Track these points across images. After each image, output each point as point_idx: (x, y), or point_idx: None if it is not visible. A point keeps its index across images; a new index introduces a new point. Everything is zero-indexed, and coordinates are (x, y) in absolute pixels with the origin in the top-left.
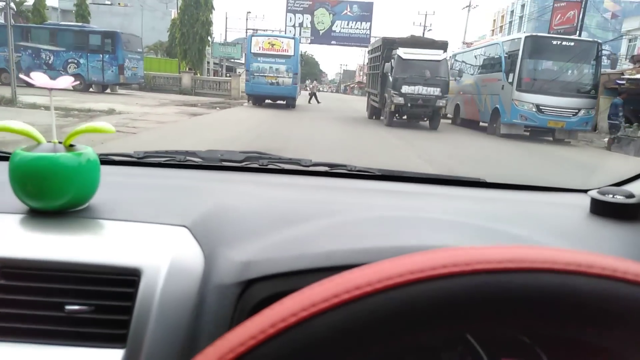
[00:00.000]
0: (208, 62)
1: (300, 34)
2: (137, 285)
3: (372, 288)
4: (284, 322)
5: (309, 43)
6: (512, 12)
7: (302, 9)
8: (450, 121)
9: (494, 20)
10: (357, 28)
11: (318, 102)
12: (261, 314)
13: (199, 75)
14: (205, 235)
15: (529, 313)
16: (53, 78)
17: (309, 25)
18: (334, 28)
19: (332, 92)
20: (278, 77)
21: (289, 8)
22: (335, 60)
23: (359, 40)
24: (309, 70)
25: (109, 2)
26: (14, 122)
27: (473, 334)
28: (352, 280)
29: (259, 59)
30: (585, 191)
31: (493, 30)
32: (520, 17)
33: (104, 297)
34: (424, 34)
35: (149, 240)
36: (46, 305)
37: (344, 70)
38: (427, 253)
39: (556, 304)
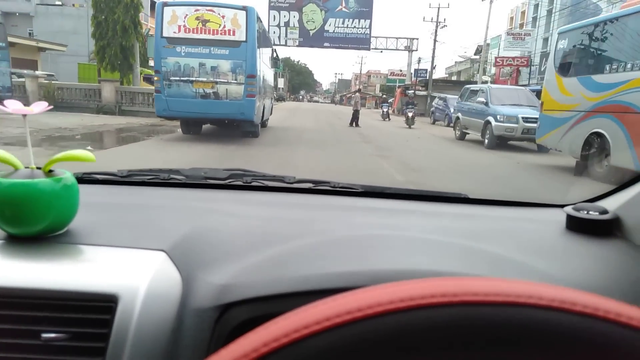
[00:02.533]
0: (144, 66)
1: (286, 36)
2: (113, 312)
3: (362, 313)
4: (275, 342)
5: (297, 46)
6: (536, 5)
7: (288, 4)
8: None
9: (512, 18)
10: (355, 27)
11: (357, 124)
12: (253, 334)
13: (126, 84)
14: (183, 258)
15: (512, 346)
16: None
17: (297, 25)
18: (326, 27)
19: (327, 102)
20: (217, 82)
21: (272, 4)
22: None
23: (357, 42)
24: (302, 80)
25: (59, 3)
26: None
27: None
28: (344, 304)
29: (178, 49)
30: (562, 206)
31: (511, 29)
32: (549, 11)
33: (80, 324)
34: (436, 31)
35: (126, 265)
36: (22, 333)
37: (339, 79)
38: (419, 282)
39: (539, 339)
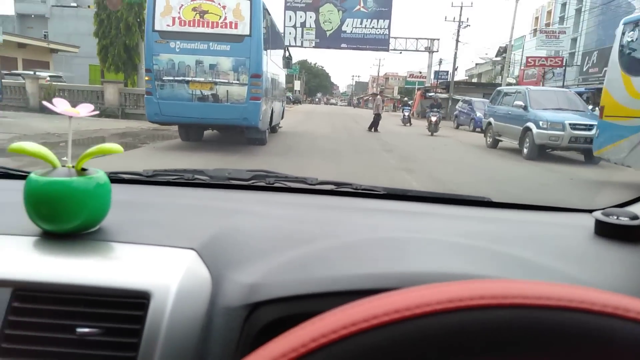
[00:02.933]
0: None
1: (302, 37)
2: (146, 308)
3: (410, 313)
4: (323, 338)
5: (314, 47)
6: (564, 4)
7: (304, 4)
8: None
9: (536, 18)
10: (373, 27)
11: (376, 129)
12: (300, 329)
13: (130, 86)
14: (212, 257)
15: (563, 349)
16: None
17: (314, 25)
18: (344, 28)
19: (344, 104)
20: (216, 83)
21: (288, 4)
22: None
23: (376, 43)
24: (319, 82)
25: (74, 4)
26: (28, 143)
27: None
28: (392, 303)
29: (172, 44)
30: (590, 211)
31: (536, 30)
32: (578, 10)
33: (114, 320)
34: (459, 31)
35: (158, 263)
36: (58, 328)
37: (356, 81)
38: (466, 283)
39: (592, 344)
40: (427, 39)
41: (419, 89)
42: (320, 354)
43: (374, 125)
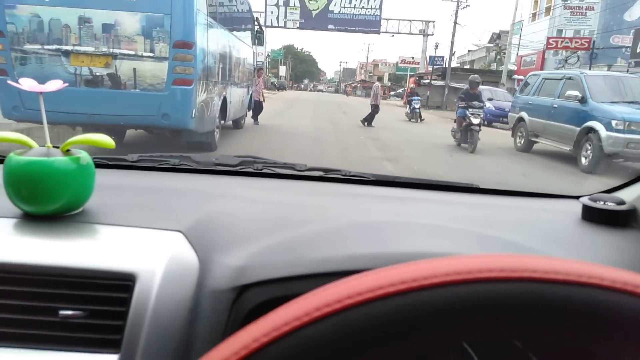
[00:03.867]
0: None
1: (286, 16)
2: (131, 291)
3: (418, 284)
4: (295, 322)
5: (298, 28)
6: None
7: None
8: None
9: (536, 2)
10: (363, 7)
11: (370, 123)
12: (274, 313)
13: None
14: (200, 240)
15: (555, 323)
16: None
17: (298, 4)
18: (331, 7)
19: (331, 91)
20: (116, 56)
21: None
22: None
23: (366, 24)
24: (305, 68)
25: None
26: (7, 132)
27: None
28: (397, 274)
29: None
30: (577, 197)
31: (535, 14)
32: None
33: (98, 302)
34: (457, 11)
35: (144, 245)
36: (40, 310)
37: (344, 68)
38: (474, 256)
39: (576, 316)
40: (422, 21)
41: (412, 76)
42: (323, 323)
43: (369, 118)
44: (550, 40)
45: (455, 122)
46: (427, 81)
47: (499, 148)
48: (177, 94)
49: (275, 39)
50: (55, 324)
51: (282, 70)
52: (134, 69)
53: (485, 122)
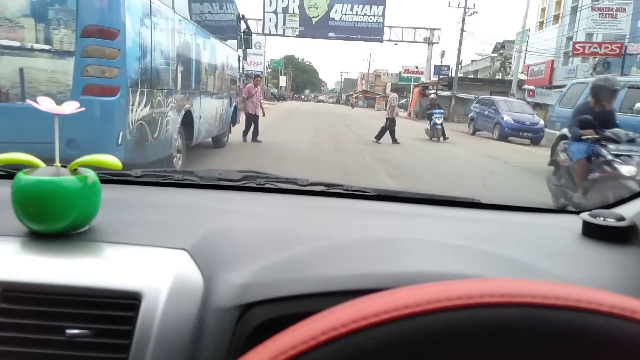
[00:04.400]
0: None
1: (284, 24)
2: (137, 309)
3: (420, 309)
4: (333, 332)
5: (297, 36)
6: None
7: None
8: None
9: (543, 9)
10: (366, 14)
11: (395, 139)
12: (302, 325)
13: None
14: (204, 258)
15: (566, 350)
16: None
17: (297, 11)
18: (332, 14)
19: (331, 102)
20: None
21: None
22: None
23: (368, 32)
24: (307, 79)
25: None
26: (18, 154)
27: None
28: (401, 299)
29: None
30: (578, 213)
31: (542, 22)
32: None
33: (104, 321)
34: (464, 18)
35: (149, 264)
36: (47, 329)
37: (345, 78)
38: (475, 281)
39: (575, 341)
40: (427, 29)
41: (416, 86)
42: (329, 347)
43: (388, 134)
44: (577, 46)
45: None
46: (433, 91)
47: (527, 167)
48: (91, 110)
49: (275, 49)
50: (62, 342)
51: (282, 81)
52: (20, 70)
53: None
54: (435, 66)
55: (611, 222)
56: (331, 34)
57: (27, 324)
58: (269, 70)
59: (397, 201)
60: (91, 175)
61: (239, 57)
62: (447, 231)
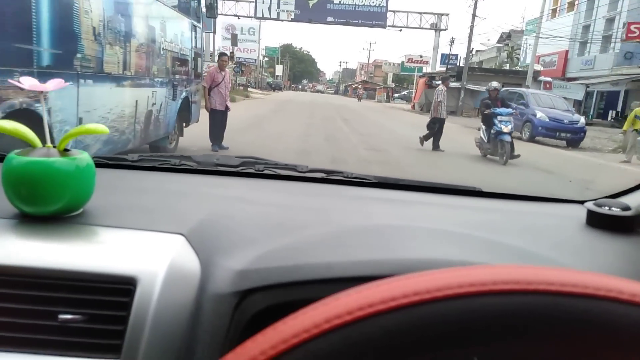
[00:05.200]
0: None
1: (278, 7)
2: (132, 295)
3: (430, 296)
4: (337, 320)
5: (292, 20)
6: None
7: None
8: None
9: None
10: None
11: (438, 145)
12: (297, 316)
13: None
14: (201, 243)
15: (584, 338)
16: None
17: None
18: None
19: (330, 92)
20: None
21: None
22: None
23: (370, 17)
24: (304, 68)
25: None
26: (5, 121)
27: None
28: (411, 285)
29: None
30: (582, 202)
31: (555, 10)
32: None
33: (98, 306)
34: (476, 3)
35: (145, 248)
36: (39, 314)
37: (343, 68)
38: (475, 269)
39: (593, 329)
40: (434, 14)
41: (421, 76)
42: (333, 336)
43: (433, 137)
44: (632, 27)
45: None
46: (440, 82)
47: None
48: None
49: (270, 36)
50: (55, 328)
51: (279, 70)
52: None
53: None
54: (443, 55)
55: (616, 211)
56: (330, 19)
57: (18, 308)
58: (265, 58)
59: (398, 189)
60: (85, 157)
61: (194, 27)
62: (450, 219)
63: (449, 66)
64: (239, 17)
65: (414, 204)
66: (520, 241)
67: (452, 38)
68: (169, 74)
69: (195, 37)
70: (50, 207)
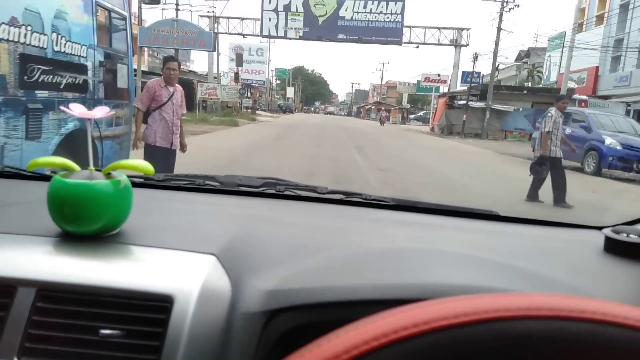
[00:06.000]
0: None
1: (286, 24)
2: (169, 312)
3: (469, 318)
4: (384, 338)
5: (301, 38)
6: None
7: None
8: None
9: (584, 9)
10: (381, 12)
11: (564, 200)
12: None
13: None
14: (231, 263)
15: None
16: None
17: (301, 9)
18: (341, 13)
19: (342, 114)
20: None
21: None
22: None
23: (384, 33)
24: (316, 90)
25: None
26: (54, 157)
27: None
28: (452, 308)
29: None
30: (599, 228)
31: (581, 24)
32: None
33: (136, 323)
34: (501, 15)
35: (179, 267)
36: (80, 329)
37: (355, 90)
38: (516, 295)
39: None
40: (454, 29)
41: (440, 96)
42: (370, 357)
43: (533, 183)
44: None
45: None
46: (463, 102)
47: None
48: None
49: (280, 57)
50: (96, 342)
51: (290, 92)
52: None
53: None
54: (464, 73)
55: (634, 238)
56: (341, 36)
57: (61, 323)
58: (278, 81)
59: (415, 211)
60: (124, 179)
61: (108, 13)
62: (468, 243)
63: (472, 84)
64: (243, 35)
65: (432, 227)
66: (538, 266)
67: (476, 54)
68: (21, 88)
69: (110, 29)
70: (91, 227)
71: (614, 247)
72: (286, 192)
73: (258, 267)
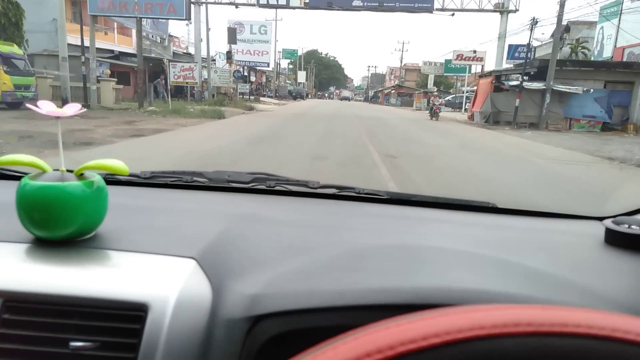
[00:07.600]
0: None
1: None
2: (143, 321)
3: (485, 332)
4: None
5: (306, 6)
6: None
7: None
8: None
9: None
10: None
11: None
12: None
13: None
14: (212, 266)
15: None
16: None
17: None
18: None
19: (359, 100)
20: None
21: None
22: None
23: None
24: (331, 74)
25: None
26: (21, 155)
27: None
28: (469, 320)
29: None
30: (600, 219)
31: None
32: None
33: (109, 334)
34: None
35: (156, 273)
36: (50, 341)
37: (372, 74)
38: (537, 308)
39: None
40: None
41: (482, 76)
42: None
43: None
44: None
45: None
46: (517, 83)
47: None
48: None
49: (288, 38)
50: (66, 355)
51: (301, 76)
52: None
53: None
54: (510, 47)
55: (636, 229)
56: (357, 3)
57: (29, 335)
58: (290, 65)
59: (410, 205)
60: (97, 179)
61: None
62: (464, 238)
63: (518, 61)
64: (236, 5)
65: (427, 221)
66: (537, 261)
67: (535, 19)
68: None
69: None
70: (63, 232)
71: (615, 239)
72: (277, 188)
73: (242, 269)
